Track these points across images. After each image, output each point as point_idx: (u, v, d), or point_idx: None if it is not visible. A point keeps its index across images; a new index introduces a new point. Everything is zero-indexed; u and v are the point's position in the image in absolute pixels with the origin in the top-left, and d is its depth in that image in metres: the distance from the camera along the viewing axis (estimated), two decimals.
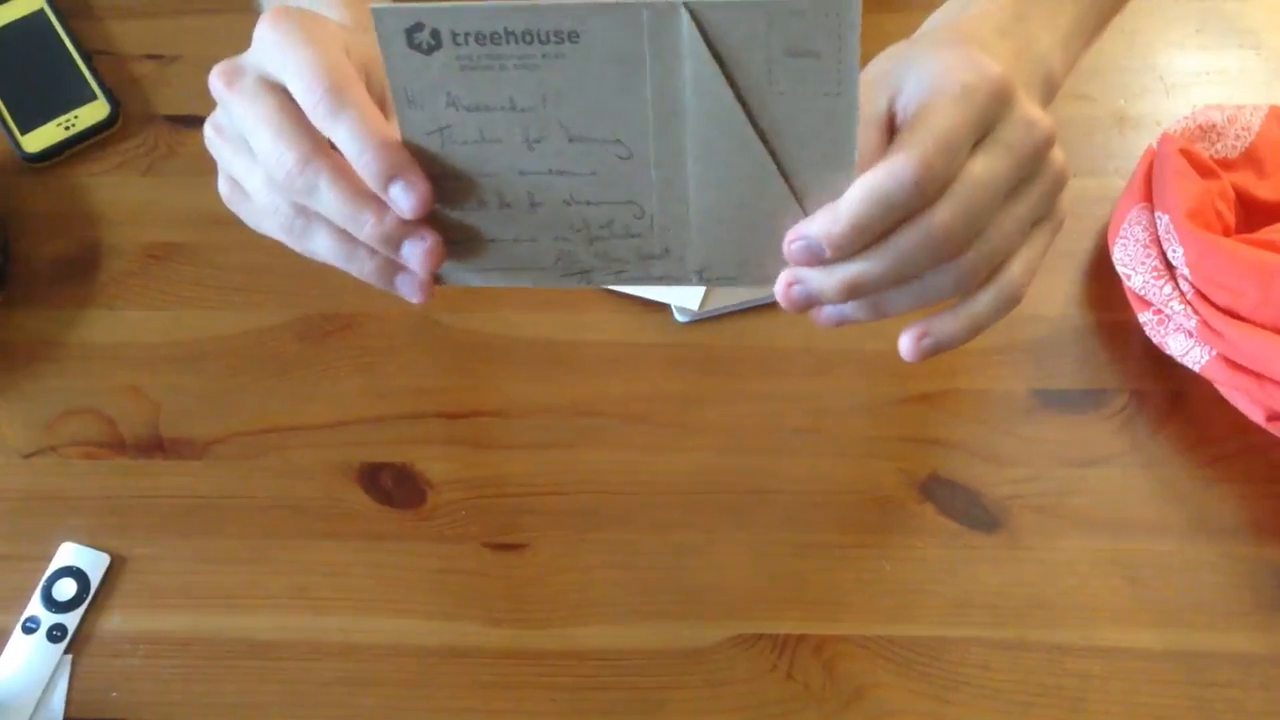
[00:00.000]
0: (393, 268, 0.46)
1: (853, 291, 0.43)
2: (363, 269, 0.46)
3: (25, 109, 0.82)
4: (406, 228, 0.44)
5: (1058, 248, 0.74)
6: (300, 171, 0.43)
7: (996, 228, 0.43)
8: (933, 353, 0.46)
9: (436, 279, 0.46)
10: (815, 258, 0.42)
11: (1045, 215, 0.46)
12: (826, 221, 0.42)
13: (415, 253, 0.44)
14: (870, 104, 0.44)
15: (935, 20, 0.50)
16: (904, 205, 0.41)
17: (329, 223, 0.45)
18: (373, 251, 0.45)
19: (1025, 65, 0.47)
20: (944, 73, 0.42)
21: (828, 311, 0.45)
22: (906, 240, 0.42)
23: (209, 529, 0.67)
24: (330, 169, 0.43)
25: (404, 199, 0.43)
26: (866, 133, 0.43)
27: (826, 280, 0.43)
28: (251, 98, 0.44)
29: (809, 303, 0.44)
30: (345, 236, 0.45)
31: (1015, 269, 0.45)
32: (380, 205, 0.44)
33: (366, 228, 0.44)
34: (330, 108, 0.42)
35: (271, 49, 0.44)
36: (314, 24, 0.45)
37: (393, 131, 0.43)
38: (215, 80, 0.46)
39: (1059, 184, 0.45)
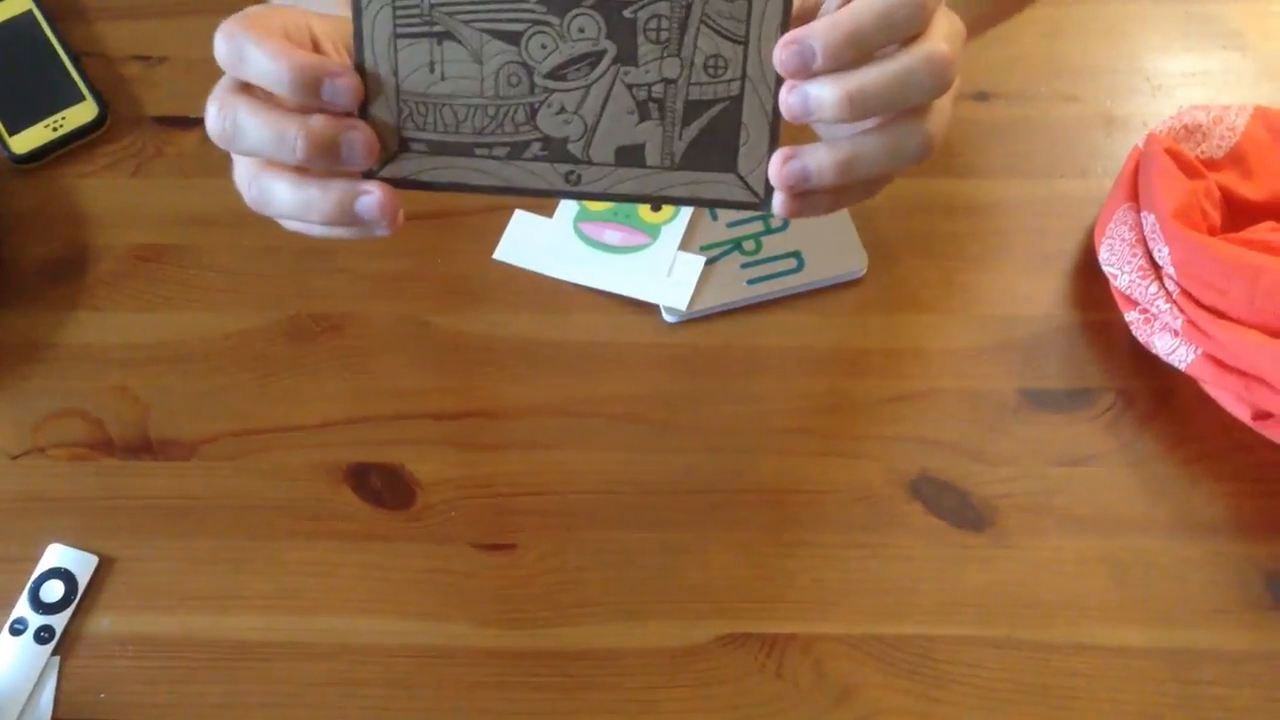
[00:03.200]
0: (350, 195, 0.45)
1: (851, 103, 0.42)
2: (323, 207, 0.45)
3: (13, 110, 0.82)
4: (337, 124, 0.44)
5: (1044, 247, 0.75)
6: (220, 118, 0.45)
7: (948, 93, 0.44)
8: (799, 181, 0.43)
9: (370, 178, 0.45)
10: (805, 64, 0.42)
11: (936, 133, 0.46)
12: (825, 26, 0.41)
13: (356, 144, 0.44)
14: None
15: None
16: (905, 24, 0.41)
17: (278, 172, 0.46)
18: (324, 184, 0.45)
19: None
20: None
21: (795, 98, 0.43)
22: (912, 58, 0.42)
23: (197, 530, 0.67)
24: (247, 102, 0.44)
25: (337, 91, 0.43)
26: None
27: (827, 90, 0.42)
28: (213, 95, 0.47)
29: (805, 110, 0.43)
30: (296, 180, 0.45)
31: (932, 123, 0.44)
32: (302, 116, 0.44)
33: (297, 142, 0.44)
34: (239, 48, 0.44)
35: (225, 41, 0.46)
36: (270, 7, 0.45)
37: (305, 53, 0.44)
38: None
39: (947, 110, 0.46)
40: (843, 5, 0.42)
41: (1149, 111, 0.80)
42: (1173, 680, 0.61)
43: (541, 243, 0.76)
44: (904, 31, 0.42)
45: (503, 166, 0.45)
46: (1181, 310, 0.66)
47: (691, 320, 0.73)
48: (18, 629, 0.64)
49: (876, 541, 0.66)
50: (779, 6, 0.42)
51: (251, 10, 0.46)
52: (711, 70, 0.43)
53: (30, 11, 0.86)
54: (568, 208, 0.77)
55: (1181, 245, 0.66)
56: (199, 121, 0.82)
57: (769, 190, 0.44)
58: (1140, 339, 0.69)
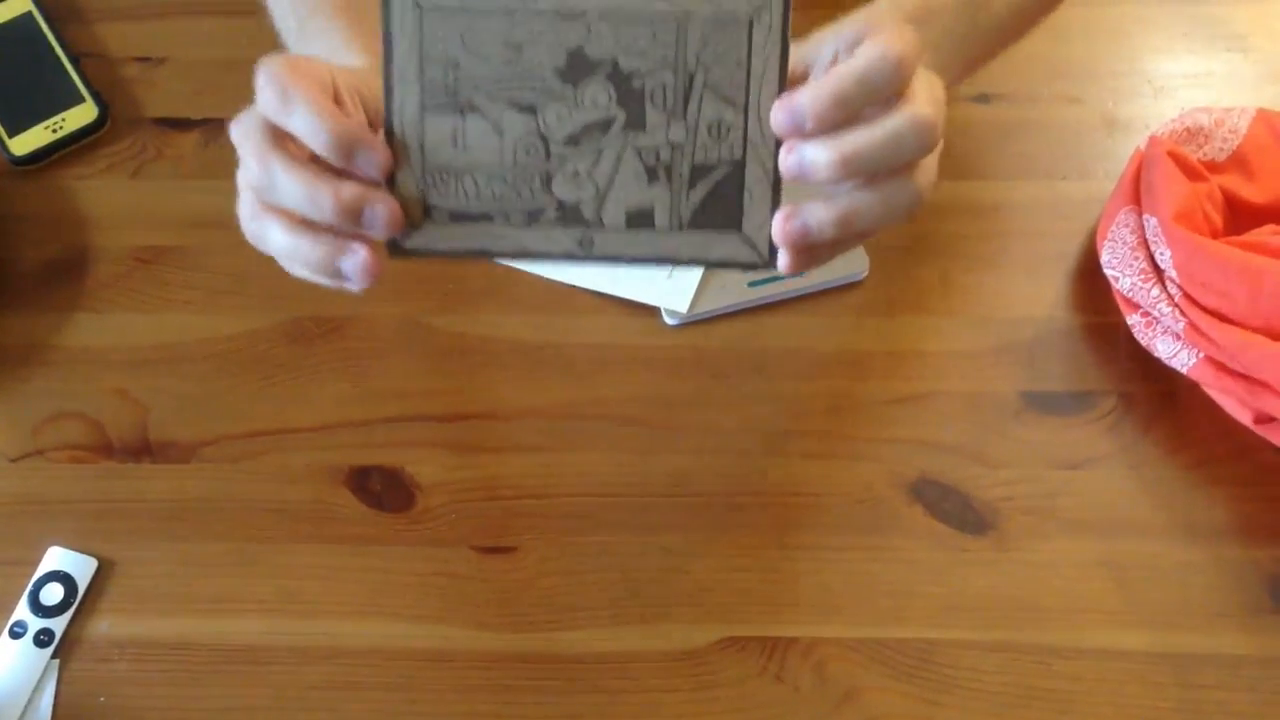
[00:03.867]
0: (339, 251, 0.47)
1: (845, 163, 0.44)
2: (310, 258, 0.47)
3: (13, 112, 0.82)
4: (365, 195, 0.46)
5: (1046, 250, 0.75)
6: (259, 171, 0.47)
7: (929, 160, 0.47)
8: (800, 238, 0.46)
9: (395, 248, 0.47)
10: (797, 126, 0.45)
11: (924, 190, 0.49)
12: (811, 90, 0.44)
13: (379, 216, 0.46)
14: (816, 50, 0.48)
15: (853, 15, 0.52)
16: (883, 84, 0.44)
17: (281, 215, 0.48)
18: (315, 238, 0.47)
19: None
20: (881, 26, 0.46)
21: (800, 223, 0.46)
22: (900, 121, 0.44)
23: (197, 533, 0.67)
24: (282, 159, 0.46)
25: (369, 163, 0.46)
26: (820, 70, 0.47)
27: (822, 152, 0.45)
28: (238, 123, 0.48)
29: (802, 171, 0.45)
30: (291, 228, 0.47)
31: (920, 179, 0.47)
32: (335, 181, 0.46)
33: (327, 206, 0.46)
34: (282, 100, 0.45)
35: (264, 90, 0.47)
36: (299, 56, 0.48)
37: (346, 120, 0.46)
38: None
39: (933, 166, 0.50)
40: (830, 68, 0.45)
41: (1151, 114, 0.80)
42: (1174, 684, 0.61)
43: None
44: (884, 92, 0.44)
45: (519, 233, 0.47)
46: (1183, 313, 0.66)
47: (692, 323, 0.72)
48: (17, 632, 0.64)
49: (878, 545, 0.66)
50: (775, 73, 0.45)
51: (291, 58, 0.48)
52: (715, 134, 0.46)
53: (30, 13, 0.86)
54: None
55: (1184, 248, 0.66)
56: (199, 123, 0.83)
57: (773, 249, 0.47)
58: (1142, 342, 0.69)
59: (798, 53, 0.47)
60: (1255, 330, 0.64)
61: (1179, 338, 0.67)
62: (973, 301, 0.73)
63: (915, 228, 0.76)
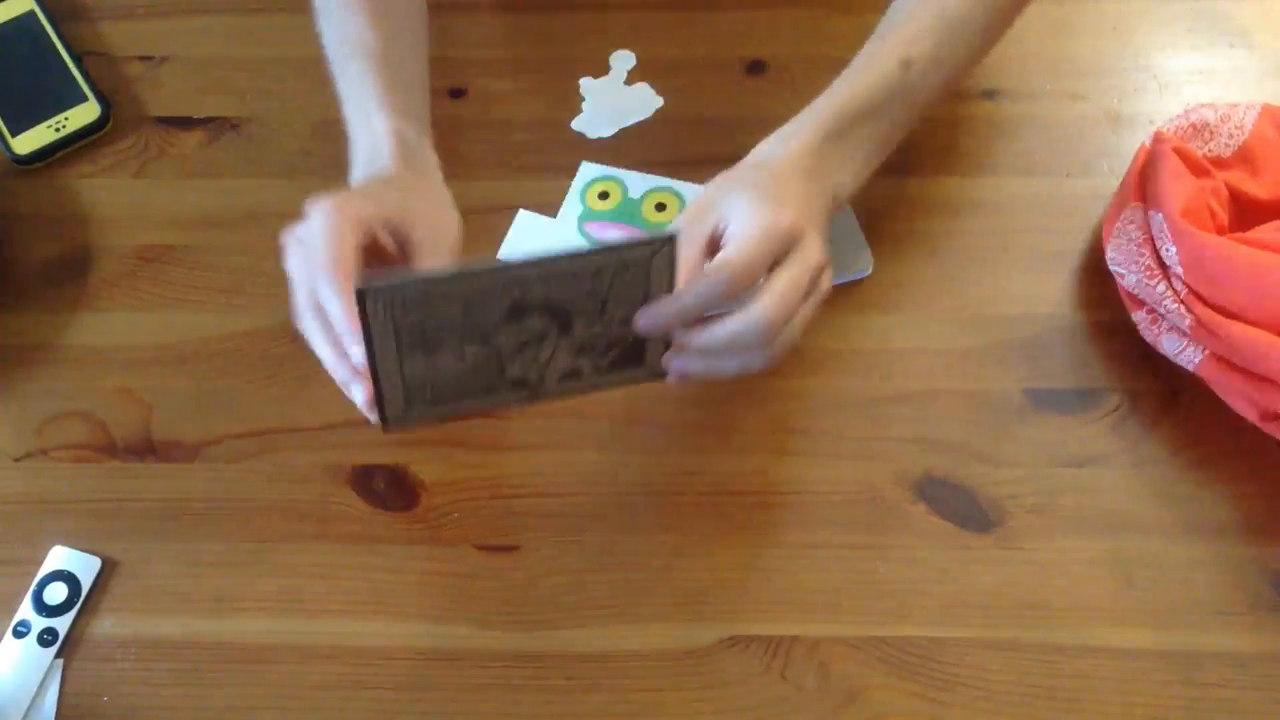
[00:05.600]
0: (345, 381, 0.60)
1: (703, 352, 0.60)
2: (329, 367, 0.61)
3: (15, 110, 0.82)
4: (349, 382, 0.60)
5: (1050, 247, 0.75)
6: (303, 328, 0.61)
7: (795, 319, 0.60)
8: (680, 379, 0.62)
9: (384, 423, 0.59)
10: (658, 330, 0.59)
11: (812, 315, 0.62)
12: (665, 305, 0.58)
13: (355, 397, 0.60)
14: (699, 227, 0.61)
15: (759, 154, 0.66)
16: (720, 303, 0.57)
17: (318, 326, 0.60)
18: (337, 361, 0.60)
19: (819, 196, 0.64)
20: (754, 217, 0.59)
21: (677, 364, 0.61)
22: (738, 325, 0.58)
23: (200, 532, 0.67)
24: (318, 334, 0.60)
25: (357, 396, 0.60)
26: (692, 249, 0.60)
27: (689, 361, 0.61)
28: (293, 254, 0.61)
29: (681, 376, 0.62)
30: (322, 340, 0.60)
31: (771, 350, 0.60)
32: (349, 371, 0.59)
33: (337, 380, 0.61)
34: (314, 288, 0.58)
35: (307, 226, 0.59)
36: (344, 205, 0.59)
37: (345, 361, 0.59)
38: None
39: (824, 296, 0.62)
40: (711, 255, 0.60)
41: (1156, 110, 0.80)
42: (1180, 682, 0.61)
43: (546, 242, 0.76)
44: (720, 305, 0.58)
45: (479, 401, 0.60)
46: (1189, 310, 0.66)
47: None
48: (21, 631, 0.64)
49: (882, 543, 0.65)
50: (664, 279, 0.57)
51: (332, 212, 0.58)
52: (623, 324, 0.58)
53: (32, 11, 0.86)
54: (572, 207, 0.77)
55: (1189, 244, 0.66)
56: (201, 122, 0.83)
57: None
58: (1147, 339, 0.69)
59: (704, 209, 0.61)
60: (1261, 326, 0.64)
61: (1185, 334, 0.67)
62: (977, 299, 0.73)
63: (919, 225, 0.76)
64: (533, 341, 0.58)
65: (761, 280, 0.58)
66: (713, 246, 0.61)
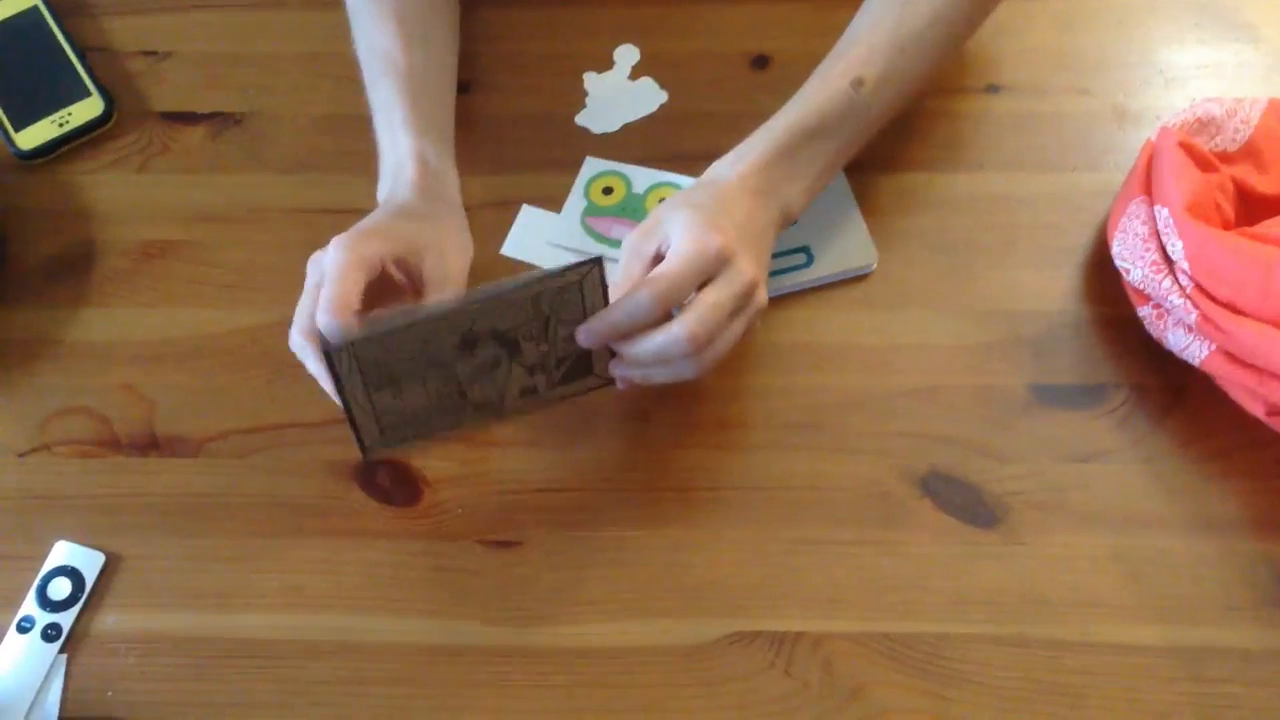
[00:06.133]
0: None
1: (634, 363, 0.64)
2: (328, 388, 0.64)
3: (19, 106, 0.82)
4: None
5: (1056, 242, 0.74)
6: (292, 342, 0.65)
7: (724, 333, 0.63)
8: (625, 385, 0.66)
9: (364, 453, 0.63)
10: (597, 343, 0.63)
11: (749, 328, 0.65)
12: (599, 321, 0.62)
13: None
14: (645, 244, 0.65)
15: (711, 172, 0.69)
16: (647, 317, 0.61)
17: (311, 354, 0.64)
18: (328, 387, 0.63)
19: (764, 213, 0.67)
20: (685, 239, 0.63)
21: (619, 371, 0.65)
22: (664, 338, 0.62)
23: (204, 527, 0.67)
24: (310, 355, 0.64)
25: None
26: (636, 264, 0.65)
27: (625, 369, 0.65)
28: (311, 277, 0.65)
29: (622, 381, 0.65)
30: (314, 370, 0.64)
31: (700, 360, 0.63)
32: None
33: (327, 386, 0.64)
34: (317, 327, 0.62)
35: (326, 258, 0.63)
36: (356, 245, 0.63)
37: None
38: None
39: (759, 311, 0.65)
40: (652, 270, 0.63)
41: (1162, 104, 0.80)
42: (1186, 678, 0.61)
43: (549, 237, 0.76)
44: (650, 321, 0.62)
45: (447, 422, 0.64)
46: (1195, 305, 0.66)
47: None
48: (25, 626, 0.64)
49: (886, 538, 0.65)
50: (598, 298, 0.62)
51: (346, 253, 0.63)
52: (567, 341, 0.63)
53: (36, 7, 0.86)
54: (575, 203, 0.77)
55: (1195, 240, 0.65)
56: (205, 117, 0.82)
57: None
58: (1153, 334, 0.69)
59: (650, 228, 0.65)
60: (1267, 322, 0.63)
61: (1191, 330, 0.66)
62: (982, 294, 0.73)
63: (924, 219, 0.76)
64: (487, 367, 0.63)
65: (691, 297, 0.62)
66: (656, 263, 0.64)
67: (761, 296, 0.65)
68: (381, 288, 0.64)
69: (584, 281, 0.61)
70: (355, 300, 0.62)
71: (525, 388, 0.65)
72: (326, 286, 0.62)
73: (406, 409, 0.63)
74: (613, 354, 0.65)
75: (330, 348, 0.58)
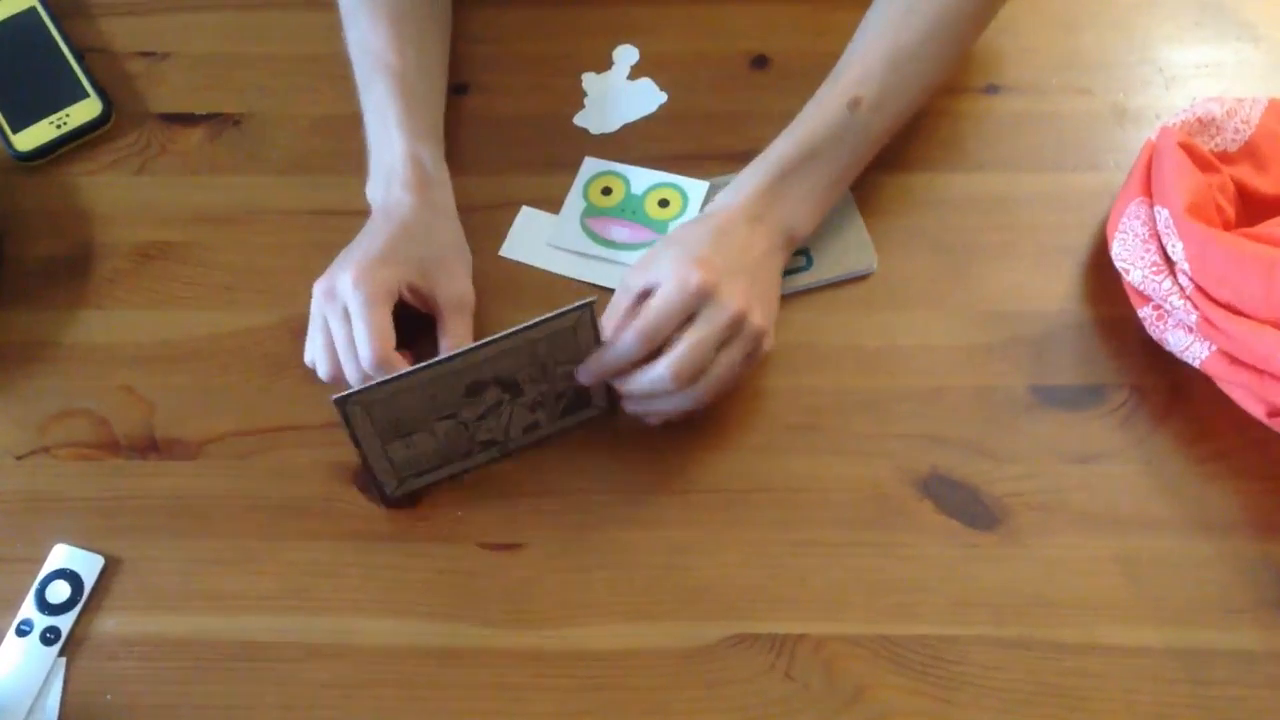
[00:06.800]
0: None
1: (629, 399, 0.67)
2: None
3: (17, 107, 0.82)
4: None
5: (1055, 243, 0.74)
6: (309, 356, 0.69)
7: (714, 366, 0.65)
8: (631, 415, 0.68)
9: (385, 501, 0.67)
10: (596, 380, 0.66)
11: (750, 353, 0.66)
12: (594, 362, 0.65)
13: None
14: (638, 279, 0.67)
15: (715, 203, 0.71)
16: (636, 356, 0.64)
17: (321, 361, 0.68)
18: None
19: (765, 239, 0.68)
20: (669, 277, 0.65)
21: (627, 406, 0.68)
22: (650, 376, 0.64)
23: (203, 530, 0.67)
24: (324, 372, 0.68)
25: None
26: (624, 299, 0.67)
27: (628, 404, 0.67)
28: (329, 312, 0.67)
29: (633, 413, 0.68)
30: (326, 375, 0.68)
31: (698, 390, 0.65)
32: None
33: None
34: (364, 371, 0.65)
35: (342, 291, 0.66)
36: (375, 277, 0.65)
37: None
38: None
39: (756, 339, 0.66)
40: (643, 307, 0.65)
41: (1162, 104, 0.80)
42: (1187, 681, 0.61)
43: (547, 239, 0.76)
44: (636, 359, 0.64)
45: (459, 463, 0.68)
46: (1195, 306, 0.66)
47: None
48: (24, 630, 0.64)
49: (887, 540, 0.65)
50: (589, 338, 0.65)
51: (363, 281, 0.65)
52: (565, 378, 0.66)
53: (34, 8, 0.86)
54: (574, 204, 0.77)
55: (1195, 240, 0.65)
56: (204, 118, 0.82)
57: (612, 404, 0.69)
58: (1153, 335, 0.69)
59: (645, 264, 0.68)
60: (1268, 323, 0.63)
61: (1191, 330, 0.66)
62: (981, 295, 0.73)
63: (923, 220, 0.75)
64: (492, 409, 0.66)
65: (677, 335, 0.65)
66: (646, 297, 0.66)
67: (751, 326, 0.65)
68: (396, 315, 0.66)
69: (576, 326, 0.64)
70: (390, 331, 0.64)
71: (528, 425, 0.68)
72: (359, 323, 0.64)
73: (420, 456, 0.66)
74: (605, 384, 0.67)
75: (342, 399, 0.61)
